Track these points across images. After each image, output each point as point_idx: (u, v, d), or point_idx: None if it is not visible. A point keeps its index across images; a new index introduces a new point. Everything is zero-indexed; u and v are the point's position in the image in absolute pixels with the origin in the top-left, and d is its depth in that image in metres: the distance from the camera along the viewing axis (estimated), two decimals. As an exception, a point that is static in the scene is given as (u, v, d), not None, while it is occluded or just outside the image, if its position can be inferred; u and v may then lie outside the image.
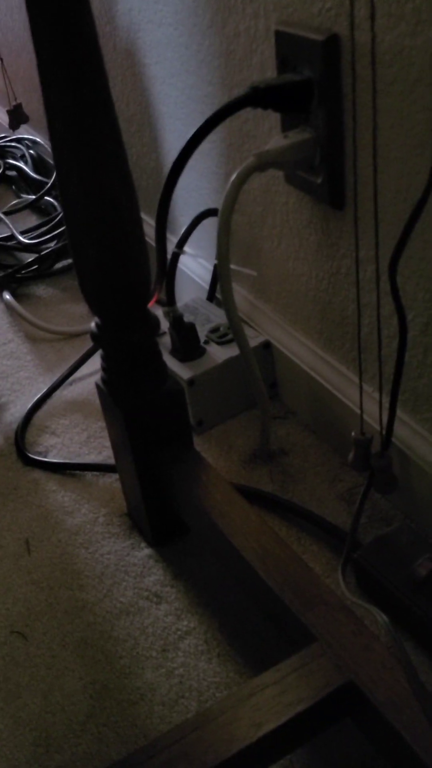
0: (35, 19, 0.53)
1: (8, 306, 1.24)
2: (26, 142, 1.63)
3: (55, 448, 0.95)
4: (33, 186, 1.55)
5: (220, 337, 0.93)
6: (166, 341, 0.93)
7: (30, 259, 1.30)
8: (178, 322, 0.90)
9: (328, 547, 0.76)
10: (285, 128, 0.74)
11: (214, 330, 0.94)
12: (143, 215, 0.64)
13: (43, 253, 1.31)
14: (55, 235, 1.34)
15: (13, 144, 1.66)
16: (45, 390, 1.03)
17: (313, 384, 0.86)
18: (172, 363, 0.91)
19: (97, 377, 0.73)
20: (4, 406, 1.03)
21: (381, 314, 0.70)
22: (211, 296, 1.02)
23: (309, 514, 0.79)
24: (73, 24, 0.53)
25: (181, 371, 0.89)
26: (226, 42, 0.80)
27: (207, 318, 0.97)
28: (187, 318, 0.93)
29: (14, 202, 1.53)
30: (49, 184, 1.44)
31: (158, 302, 0.90)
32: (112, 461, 0.89)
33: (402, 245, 0.57)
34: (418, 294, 0.66)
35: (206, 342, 0.93)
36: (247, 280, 0.96)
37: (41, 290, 1.28)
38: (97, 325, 0.68)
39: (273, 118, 0.77)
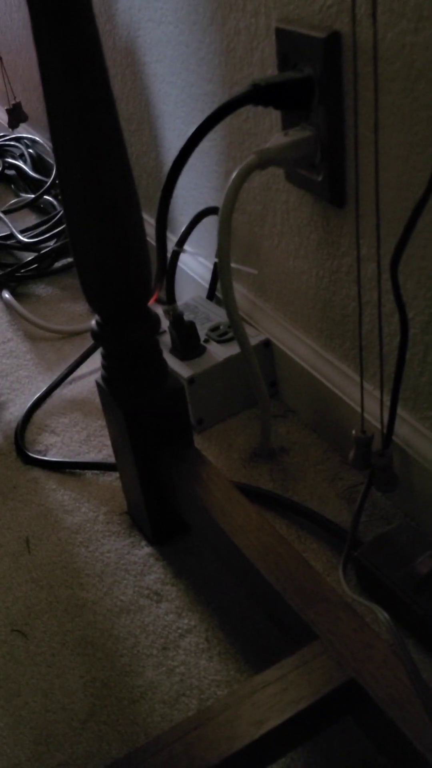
0: (36, 17, 0.53)
1: (8, 305, 1.23)
2: (25, 141, 1.63)
3: (54, 446, 0.94)
4: (32, 185, 1.55)
5: (220, 335, 0.93)
6: (166, 340, 0.93)
7: (29, 258, 1.30)
8: (178, 321, 0.89)
9: (328, 546, 0.76)
10: (285, 126, 0.74)
11: (214, 328, 0.94)
12: (143, 214, 0.64)
13: (42, 251, 1.31)
14: (55, 233, 1.34)
15: (12, 143, 1.66)
16: (45, 389, 1.03)
17: (314, 382, 0.86)
18: (172, 361, 0.90)
19: (97, 375, 0.73)
20: (3, 404, 1.03)
21: (382, 312, 0.70)
22: (211, 295, 1.02)
23: (309, 513, 0.78)
24: (73, 21, 0.53)
25: (181, 370, 0.89)
26: (227, 40, 0.80)
27: (207, 316, 0.97)
28: (187, 316, 0.93)
29: (13, 201, 1.53)
30: (49, 183, 1.44)
31: (158, 300, 0.89)
32: (112, 460, 0.89)
33: (403, 243, 0.57)
34: (419, 292, 0.66)
35: (206, 340, 0.93)
36: (247, 279, 0.96)
37: (41, 289, 1.28)
38: (97, 323, 0.68)
39: (273, 115, 0.77)
